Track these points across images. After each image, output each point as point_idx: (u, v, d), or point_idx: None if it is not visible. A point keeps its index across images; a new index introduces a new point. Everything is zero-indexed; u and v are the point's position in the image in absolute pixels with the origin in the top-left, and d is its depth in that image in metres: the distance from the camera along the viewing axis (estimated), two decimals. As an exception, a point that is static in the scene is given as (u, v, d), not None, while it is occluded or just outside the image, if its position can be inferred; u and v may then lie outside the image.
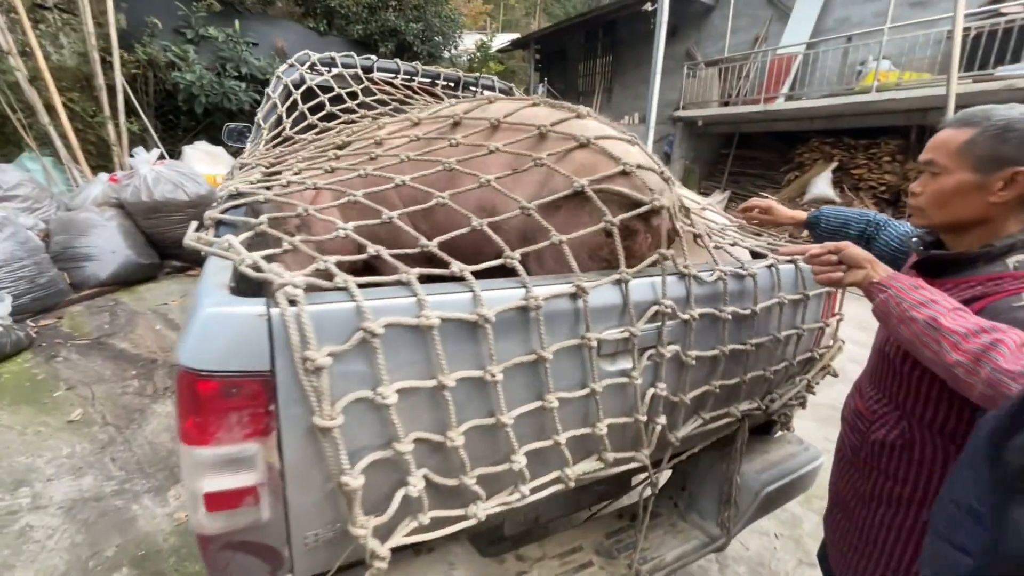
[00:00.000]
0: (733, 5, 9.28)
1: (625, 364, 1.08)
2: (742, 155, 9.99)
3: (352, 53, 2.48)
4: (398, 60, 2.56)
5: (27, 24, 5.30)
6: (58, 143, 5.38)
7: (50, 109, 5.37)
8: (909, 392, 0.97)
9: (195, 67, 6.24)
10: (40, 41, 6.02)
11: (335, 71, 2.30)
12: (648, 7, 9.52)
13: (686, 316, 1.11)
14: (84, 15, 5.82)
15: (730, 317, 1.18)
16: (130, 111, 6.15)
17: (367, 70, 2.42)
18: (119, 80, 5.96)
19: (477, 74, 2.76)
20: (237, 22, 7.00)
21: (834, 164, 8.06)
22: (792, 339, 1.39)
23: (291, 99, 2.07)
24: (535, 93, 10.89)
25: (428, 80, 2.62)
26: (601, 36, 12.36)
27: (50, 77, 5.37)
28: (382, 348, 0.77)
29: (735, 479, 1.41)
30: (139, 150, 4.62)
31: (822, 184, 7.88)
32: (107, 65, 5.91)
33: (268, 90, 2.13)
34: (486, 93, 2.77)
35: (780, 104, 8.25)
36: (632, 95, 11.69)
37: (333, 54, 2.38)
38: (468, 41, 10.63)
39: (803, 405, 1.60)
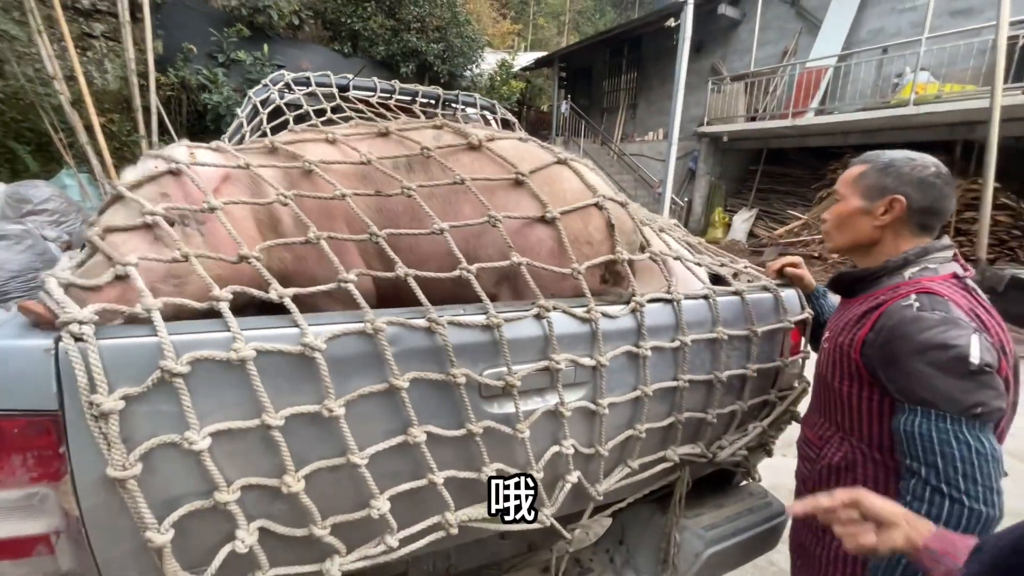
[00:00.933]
0: (760, 19, 9.03)
1: (525, 406, 0.98)
2: (771, 171, 9.61)
3: (349, 75, 2.50)
4: (375, 78, 2.56)
5: (73, 52, 5.74)
6: (94, 160, 5.74)
7: (88, 129, 5.75)
8: (846, 412, 1.02)
9: (223, 89, 6.56)
10: (87, 67, 6.52)
11: (307, 90, 2.30)
12: (672, 23, 9.41)
13: (591, 362, 1.00)
14: (126, 42, 6.25)
15: (649, 354, 1.06)
16: (163, 130, 6.52)
17: (343, 88, 2.42)
18: (154, 101, 6.34)
19: (457, 92, 2.73)
20: (266, 46, 7.36)
21: (869, 181, 7.59)
22: (739, 380, 1.24)
23: (257, 117, 2.08)
24: (559, 110, 10.88)
25: (408, 98, 2.61)
26: (626, 53, 12.30)
27: (90, 100, 5.76)
28: (198, 387, 0.70)
29: (673, 535, 1.25)
30: (158, 167, 4.84)
31: (855, 202, 7.42)
32: (144, 88, 6.31)
33: (238, 109, 2.16)
34: (467, 110, 2.76)
35: (810, 119, 7.90)
36: (657, 111, 11.52)
37: (308, 73, 2.40)
38: (492, 60, 10.79)
39: (768, 452, 1.43)
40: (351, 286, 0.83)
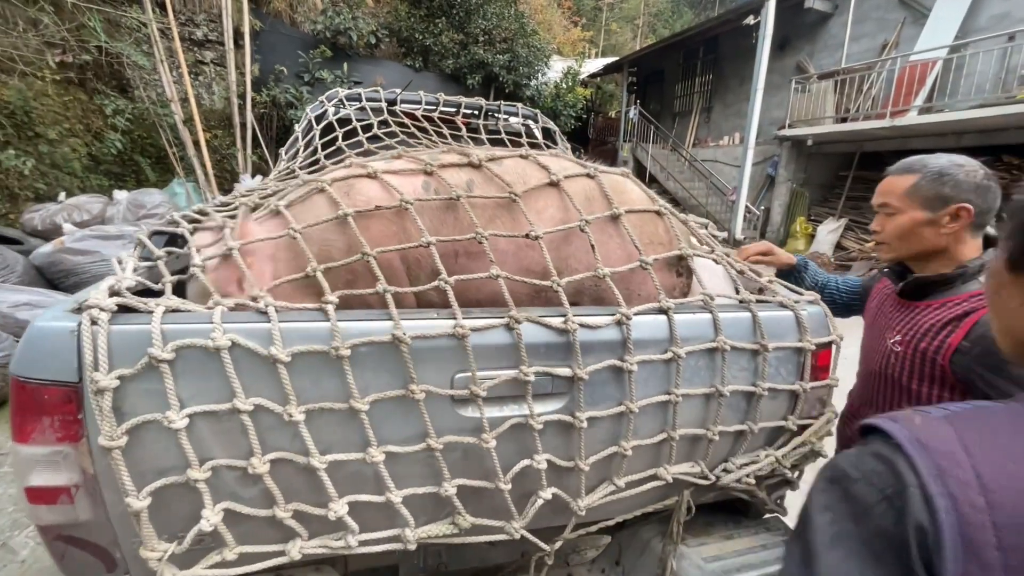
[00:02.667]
0: (854, 10, 8.23)
1: (501, 413, 0.98)
2: (865, 177, 8.67)
3: (420, 92, 2.65)
4: (421, 92, 2.68)
5: (187, 78, 6.63)
6: (199, 171, 6.56)
7: (196, 144, 6.59)
8: (909, 405, 1.00)
9: (307, 105, 7.20)
10: (198, 90, 7.47)
11: (359, 105, 2.47)
12: (752, 20, 8.87)
13: (567, 373, 0.98)
14: (229, 67, 7.12)
15: (634, 368, 1.01)
16: (256, 144, 7.31)
17: (391, 103, 2.57)
18: (249, 118, 7.14)
19: (499, 102, 2.78)
20: (346, 65, 7.97)
21: (986, 187, 6.59)
22: (747, 397, 1.14)
23: (311, 133, 2.27)
24: (627, 116, 10.64)
25: (452, 109, 2.70)
26: (701, 54, 11.77)
27: (199, 119, 6.62)
28: (185, 371, 0.79)
29: (669, 563, 1.18)
30: (245, 176, 5.42)
31: (968, 211, 6.48)
32: (242, 107, 7.13)
33: (296, 124, 2.37)
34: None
35: (912, 118, 7.04)
36: (733, 114, 10.88)
37: (360, 90, 2.57)
38: (559, 68, 10.82)
39: (792, 486, 1.30)
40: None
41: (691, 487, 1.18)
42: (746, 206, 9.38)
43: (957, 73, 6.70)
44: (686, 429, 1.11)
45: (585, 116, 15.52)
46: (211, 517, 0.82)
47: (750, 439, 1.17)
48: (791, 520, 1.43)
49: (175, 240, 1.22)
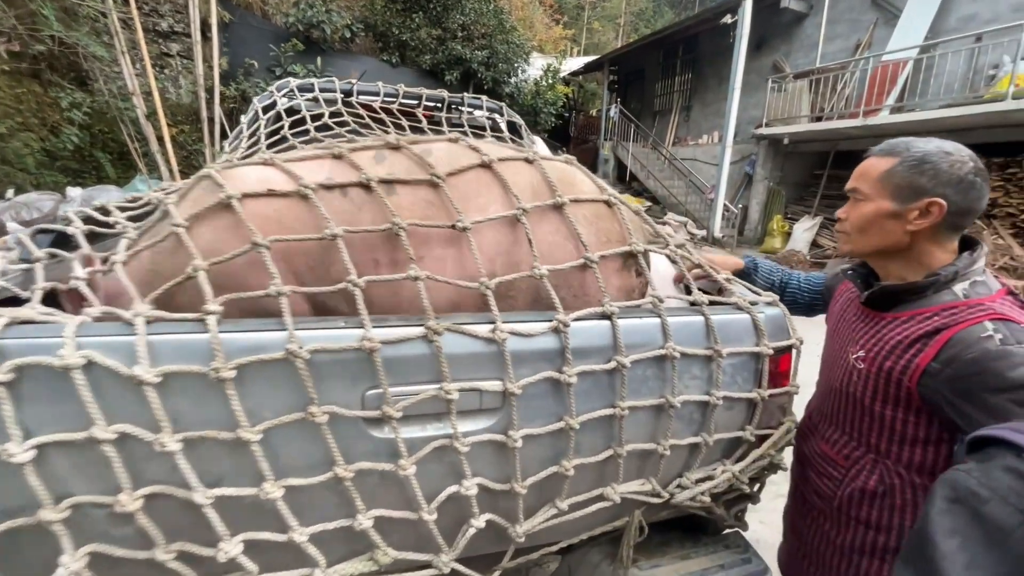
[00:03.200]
0: (829, 11, 8.32)
1: (423, 433, 0.88)
2: (839, 176, 8.77)
3: (336, 79, 2.52)
4: (380, 83, 2.56)
5: (150, 70, 6.35)
6: (163, 168, 6.30)
7: (160, 140, 6.33)
8: (883, 433, 0.96)
9: (278, 100, 6.98)
10: (164, 83, 7.18)
11: (311, 95, 2.34)
12: (729, 20, 8.91)
13: (498, 388, 0.88)
14: (196, 59, 6.86)
15: (573, 380, 0.92)
16: (224, 139, 7.05)
17: (347, 93, 2.44)
18: (217, 113, 6.90)
19: (463, 94, 2.67)
20: (320, 59, 7.76)
21: (955, 186, 6.71)
22: (701, 408, 1.06)
23: (256, 124, 2.13)
24: (607, 114, 10.65)
25: (414, 101, 2.59)
26: (680, 54, 11.81)
27: (162, 113, 6.35)
28: (34, 394, 0.67)
29: (619, 588, 1.09)
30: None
31: (938, 210, 6.58)
32: (210, 101, 6.87)
33: (242, 116, 2.23)
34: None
35: (884, 118, 7.13)
36: (712, 113, 10.95)
37: (313, 80, 2.44)
38: (540, 65, 10.74)
39: (752, 500, 1.22)
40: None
41: (643, 506, 1.10)
42: (724, 204, 9.43)
43: (927, 73, 6.81)
44: (635, 444, 1.02)
45: (567, 114, 15.49)
46: (71, 564, 0.70)
47: (705, 452, 1.09)
48: (752, 535, 1.37)
49: (67, 241, 1.08)
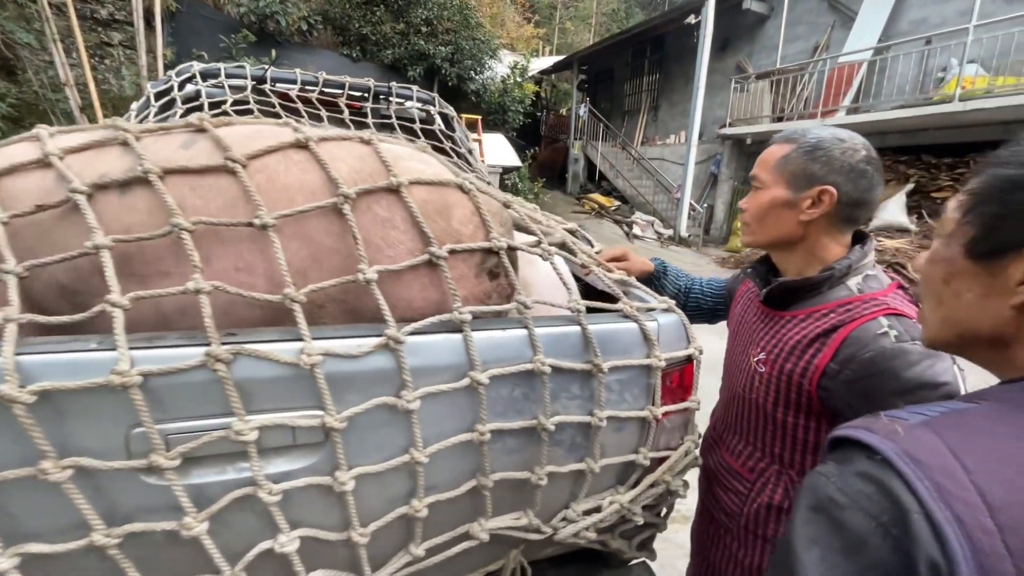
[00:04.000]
0: (787, 13, 8.43)
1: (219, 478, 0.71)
2: (801, 176, 8.92)
3: (248, 65, 2.32)
4: (298, 70, 2.37)
5: (85, 60, 5.95)
6: (99, 164, 5.92)
7: (96, 133, 5.94)
8: (789, 444, 0.90)
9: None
10: (104, 74, 6.78)
11: (214, 82, 2.14)
12: (693, 20, 8.95)
13: (316, 422, 0.72)
14: (140, 49, 6.48)
15: (413, 407, 0.77)
16: (170, 135, 6.69)
17: (259, 80, 2.25)
18: (161, 107, 6.52)
19: (392, 83, 2.51)
20: (274, 52, 7.43)
21: (909, 186, 6.88)
22: (582, 429, 0.93)
23: (146, 111, 1.93)
24: (576, 114, 10.63)
25: (336, 90, 2.41)
26: (648, 53, 11.86)
27: (99, 105, 5.96)
28: None
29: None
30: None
31: (894, 209, 6.74)
32: (153, 94, 6.50)
33: (133, 104, 2.01)
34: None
35: (841, 118, 7.25)
36: (680, 113, 11.00)
37: (220, 65, 2.24)
38: (509, 63, 10.59)
39: (658, 528, 1.10)
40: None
41: (522, 544, 0.96)
42: (691, 204, 9.48)
43: (880, 75, 6.94)
44: (504, 473, 0.88)
45: (539, 113, 15.39)
46: None
47: (592, 480, 0.96)
48: (659, 566, 1.25)
49: None
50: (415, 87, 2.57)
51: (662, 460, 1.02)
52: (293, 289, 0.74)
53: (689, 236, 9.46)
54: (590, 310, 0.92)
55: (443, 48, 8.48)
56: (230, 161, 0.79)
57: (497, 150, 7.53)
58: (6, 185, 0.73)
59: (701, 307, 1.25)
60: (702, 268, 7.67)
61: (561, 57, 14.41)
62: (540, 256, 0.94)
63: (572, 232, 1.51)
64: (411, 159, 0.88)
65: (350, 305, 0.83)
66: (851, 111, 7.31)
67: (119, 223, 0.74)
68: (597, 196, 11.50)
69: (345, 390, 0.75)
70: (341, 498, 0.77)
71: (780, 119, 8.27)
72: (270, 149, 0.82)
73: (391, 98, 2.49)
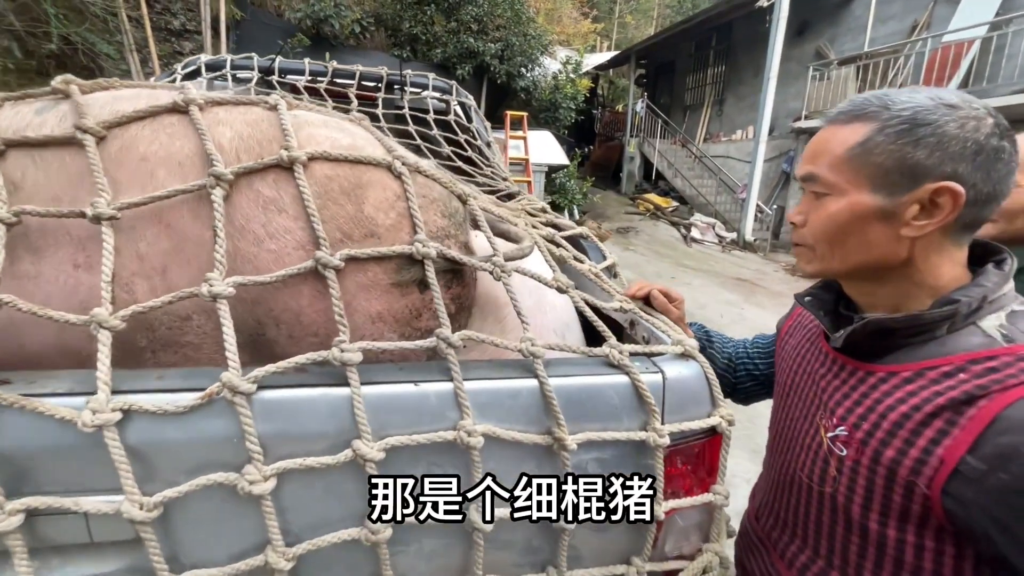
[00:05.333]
0: (880, -12, 7.45)
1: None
2: (891, 174, 7.86)
3: (256, 56, 2.21)
4: (307, 60, 2.24)
5: (158, 68, 6.37)
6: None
7: (164, 137, 6.34)
8: (884, 565, 0.57)
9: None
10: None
11: (218, 74, 2.03)
12: (764, 2, 8.16)
13: (109, 508, 0.49)
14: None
15: (266, 489, 0.51)
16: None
17: (266, 72, 2.13)
18: (224, 111, 6.86)
19: (408, 71, 2.31)
20: (327, 54, 7.59)
21: (1031, 185, 5.78)
22: (539, 529, 0.63)
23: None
24: (633, 109, 10.17)
25: (348, 81, 2.25)
26: (714, 43, 11.04)
27: (168, 110, 6.36)
28: None
29: None
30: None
31: (1009, 212, 5.67)
32: (217, 98, 6.85)
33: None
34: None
35: (944, 106, 6.24)
36: (748, 106, 10.13)
37: (227, 56, 2.14)
38: (561, 58, 10.26)
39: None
40: None
41: None
42: (757, 205, 8.66)
43: (997, 55, 5.90)
44: (420, 585, 0.61)
45: (594, 111, 14.88)
46: None
47: (557, 595, 0.66)
48: None
49: None
50: (431, 75, 2.36)
51: (671, 574, 0.70)
52: (108, 308, 0.51)
53: (755, 240, 8.64)
54: (598, 349, 0.63)
55: (492, 45, 8.30)
56: (79, 131, 0.58)
57: (543, 148, 7.23)
58: None
59: (756, 378, 0.89)
60: (768, 276, 6.92)
61: (617, 52, 13.84)
62: (489, 273, 0.65)
63: (576, 239, 1.21)
64: (323, 126, 0.64)
65: (240, 316, 0.59)
66: (957, 98, 6.28)
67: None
68: (653, 196, 10.85)
69: (164, 465, 0.51)
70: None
71: (867, 109, 7.31)
72: (136, 115, 0.61)
73: (405, 87, 2.29)
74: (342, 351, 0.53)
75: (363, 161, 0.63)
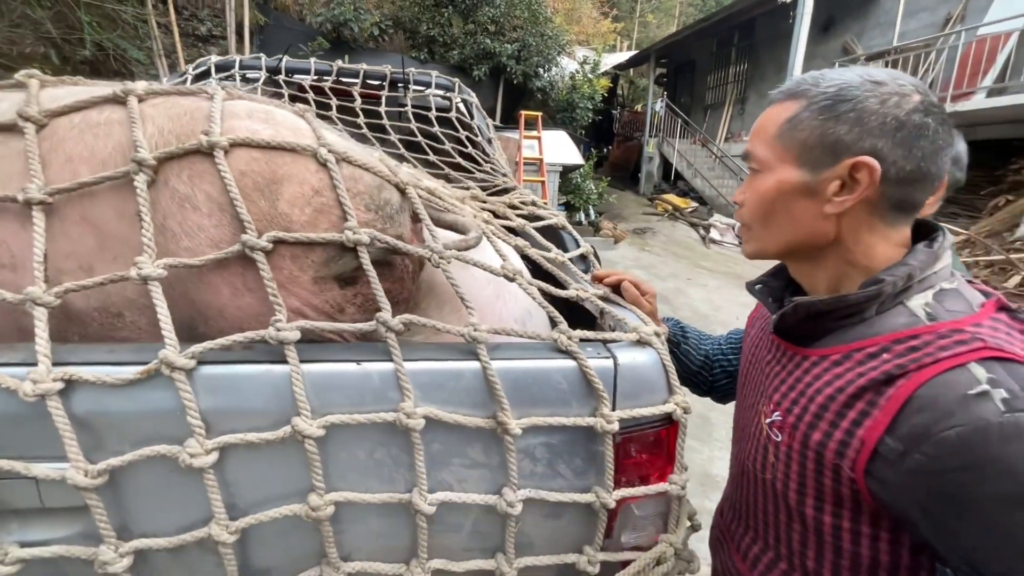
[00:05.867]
0: (911, -19, 7.18)
1: None
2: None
3: (264, 56, 2.27)
4: (313, 59, 2.29)
5: (183, 67, 6.61)
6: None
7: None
8: (824, 552, 0.57)
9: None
10: (203, 86, 7.49)
11: (227, 74, 2.10)
12: (788, -1, 7.95)
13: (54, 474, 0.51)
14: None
15: (207, 462, 0.53)
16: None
17: (273, 71, 2.19)
18: (247, 113, 7.07)
19: (411, 69, 2.33)
20: (347, 56, 7.74)
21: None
22: (487, 514, 0.63)
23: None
24: (652, 109, 10.06)
25: (353, 80, 2.29)
26: (736, 40, 10.82)
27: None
28: None
29: None
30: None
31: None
32: (240, 101, 7.07)
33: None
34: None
35: (979, 102, 5.98)
36: (770, 105, 9.89)
37: (236, 57, 2.20)
38: (579, 57, 10.21)
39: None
40: None
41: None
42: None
43: (1037, 47, 5.61)
44: (365, 564, 0.62)
45: (613, 111, 14.75)
46: None
47: (505, 582, 0.66)
48: None
49: None
50: (434, 72, 2.38)
51: (627, 564, 0.69)
52: (41, 287, 0.53)
53: (776, 242, 8.42)
54: (546, 334, 0.62)
55: (509, 46, 8.32)
56: (22, 119, 0.61)
57: (558, 148, 7.20)
58: None
59: (731, 375, 0.87)
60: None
61: (637, 51, 13.70)
62: (428, 260, 0.65)
63: (553, 229, 1.20)
64: (246, 118, 0.65)
65: (172, 309, 0.60)
66: (993, 92, 5.99)
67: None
68: (671, 197, 10.69)
69: (111, 435, 0.53)
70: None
71: (895, 106, 7.04)
72: (78, 104, 0.63)
73: (409, 86, 2.32)
74: (278, 330, 0.54)
75: (284, 148, 0.61)
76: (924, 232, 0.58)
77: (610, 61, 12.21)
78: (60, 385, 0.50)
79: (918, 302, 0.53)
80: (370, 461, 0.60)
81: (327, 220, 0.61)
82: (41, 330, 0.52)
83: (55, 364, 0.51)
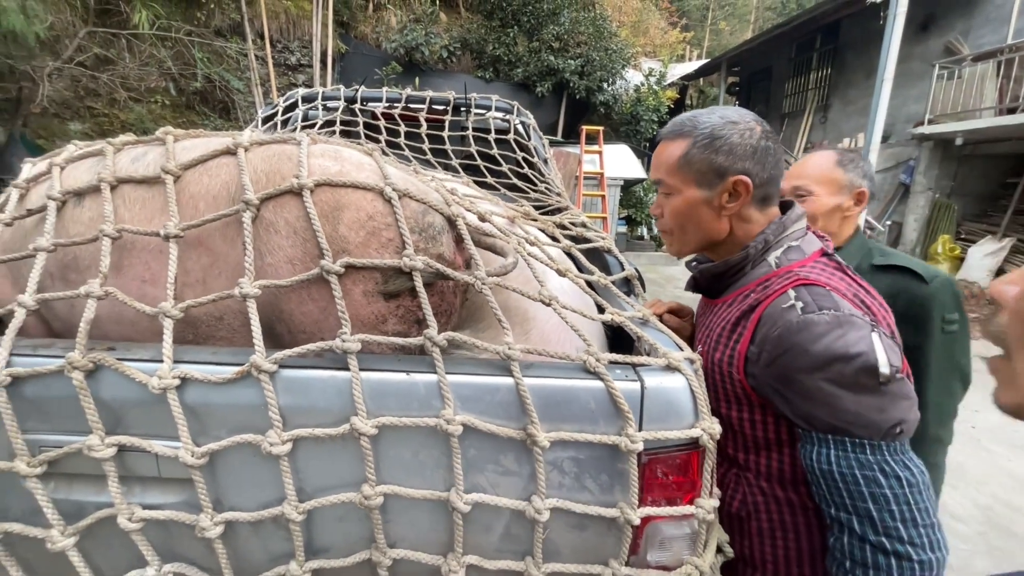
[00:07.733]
0: (1029, -30, 6.40)
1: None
2: (1043, 184, 6.62)
3: (343, 88, 2.52)
4: (385, 88, 2.49)
5: (275, 94, 7.37)
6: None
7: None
8: (735, 439, 0.81)
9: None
10: (292, 110, 8.29)
11: (311, 104, 2.35)
12: (878, -2, 7.38)
13: (169, 451, 0.63)
14: (315, 86, 7.80)
15: (282, 450, 0.63)
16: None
17: (351, 101, 2.41)
18: (328, 133, 7.74)
19: (473, 95, 2.47)
20: (417, 79, 8.24)
21: None
22: (517, 520, 0.69)
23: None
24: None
25: (421, 106, 2.47)
26: (818, 45, 10.16)
27: (284, 134, 7.32)
28: None
29: None
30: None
31: None
32: (323, 123, 7.76)
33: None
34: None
35: (1117, 103, 5.18)
36: (857, 111, 9.17)
37: (320, 89, 2.45)
38: (645, 69, 10.10)
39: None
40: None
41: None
42: (867, 220, 7.75)
43: None
44: (407, 552, 0.70)
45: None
46: None
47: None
48: None
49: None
50: (495, 96, 2.50)
51: (652, 580, 0.71)
52: (171, 303, 0.67)
53: (860, 259, 7.73)
54: (576, 356, 0.68)
55: (572, 62, 8.43)
56: (164, 172, 0.76)
57: (620, 161, 7.15)
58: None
59: None
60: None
61: (705, 61, 13.27)
62: (472, 285, 0.72)
63: (599, 252, 1.24)
64: (320, 157, 0.76)
65: (260, 314, 0.73)
66: None
67: (73, 230, 0.77)
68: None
69: (212, 423, 0.65)
70: (212, 543, 0.67)
71: (1011, 111, 6.27)
72: (201, 158, 0.78)
73: (471, 109, 2.46)
74: (343, 341, 0.64)
75: (356, 186, 0.72)
76: (784, 208, 0.84)
77: (678, 72, 11.94)
78: (177, 382, 0.63)
79: (772, 256, 0.79)
80: (414, 461, 0.68)
81: (377, 241, 0.71)
82: (167, 337, 0.65)
83: (174, 363, 0.64)
